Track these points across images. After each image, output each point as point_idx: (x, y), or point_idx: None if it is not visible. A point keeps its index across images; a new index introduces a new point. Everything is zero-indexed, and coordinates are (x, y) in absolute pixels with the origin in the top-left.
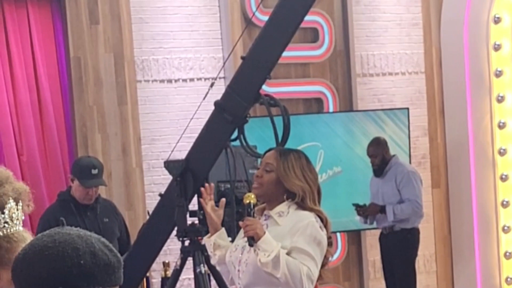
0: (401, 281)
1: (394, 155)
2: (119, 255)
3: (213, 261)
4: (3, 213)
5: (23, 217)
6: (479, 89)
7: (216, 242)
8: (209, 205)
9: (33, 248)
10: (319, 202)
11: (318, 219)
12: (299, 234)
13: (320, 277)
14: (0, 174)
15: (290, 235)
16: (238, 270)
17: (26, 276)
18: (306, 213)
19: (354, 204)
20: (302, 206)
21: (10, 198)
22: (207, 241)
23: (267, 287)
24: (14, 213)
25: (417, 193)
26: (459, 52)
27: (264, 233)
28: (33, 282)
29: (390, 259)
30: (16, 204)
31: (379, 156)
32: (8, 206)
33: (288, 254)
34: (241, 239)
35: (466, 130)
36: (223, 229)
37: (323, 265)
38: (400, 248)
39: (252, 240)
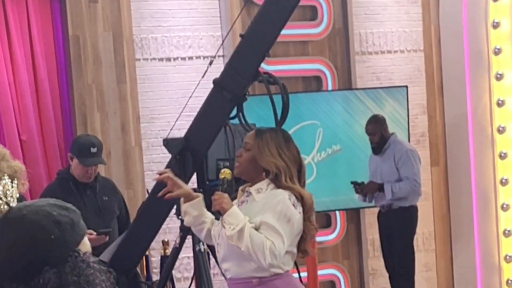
0: (400, 259)
1: (393, 133)
2: (68, 204)
3: (187, 223)
4: None
5: (17, 195)
6: (478, 67)
7: (187, 210)
8: (172, 184)
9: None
10: (300, 180)
11: (293, 197)
12: (269, 211)
13: (305, 252)
14: None
15: (262, 211)
16: (217, 244)
17: (4, 274)
18: (280, 191)
19: (352, 182)
20: (277, 184)
21: (5, 174)
22: (181, 205)
23: (238, 260)
24: (9, 189)
25: (416, 171)
26: (458, 30)
27: (231, 207)
28: (15, 274)
29: (389, 237)
30: (11, 181)
31: (378, 134)
32: (2, 182)
33: (257, 229)
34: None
35: (465, 108)
36: (199, 199)
37: (304, 240)
38: (398, 226)
39: (219, 214)
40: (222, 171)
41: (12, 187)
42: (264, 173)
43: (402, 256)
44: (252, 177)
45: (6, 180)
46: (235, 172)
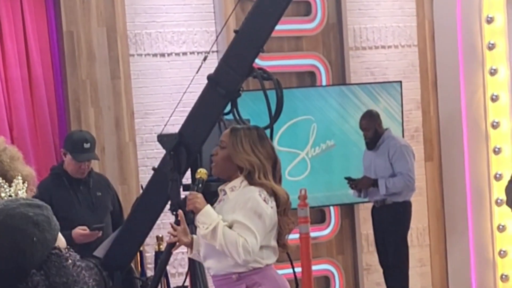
0: (394, 255)
1: (387, 129)
2: (38, 201)
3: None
4: (10, 186)
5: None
6: (472, 62)
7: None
8: (182, 233)
9: None
10: (274, 176)
11: (264, 192)
12: (239, 208)
13: (284, 245)
14: (14, 152)
15: (233, 209)
16: (199, 243)
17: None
18: (251, 188)
19: (346, 178)
20: (250, 181)
21: (20, 174)
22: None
23: (217, 257)
24: (20, 190)
25: (410, 167)
26: (452, 25)
27: (205, 206)
28: (1, 280)
29: (382, 233)
30: (23, 183)
31: (372, 129)
32: (15, 181)
33: (230, 227)
34: None
35: (459, 103)
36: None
37: (280, 235)
38: (392, 222)
39: (192, 214)
40: (198, 170)
41: (23, 188)
42: (239, 171)
43: (396, 251)
44: (228, 175)
45: (19, 180)
46: (213, 172)
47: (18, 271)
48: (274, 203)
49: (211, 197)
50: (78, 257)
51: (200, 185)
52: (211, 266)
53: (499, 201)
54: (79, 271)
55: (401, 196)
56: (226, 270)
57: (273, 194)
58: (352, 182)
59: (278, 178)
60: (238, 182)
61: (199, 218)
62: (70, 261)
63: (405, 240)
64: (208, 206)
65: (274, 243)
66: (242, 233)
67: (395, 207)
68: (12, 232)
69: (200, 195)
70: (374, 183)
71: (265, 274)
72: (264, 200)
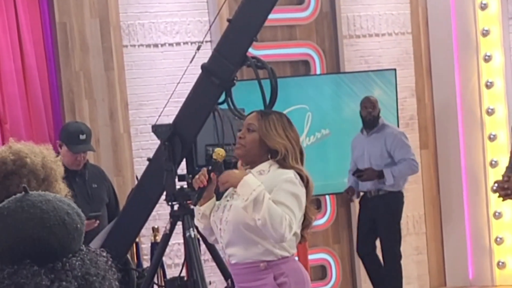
0: (387, 244)
1: (380, 117)
2: (80, 212)
3: (200, 229)
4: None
5: None
6: (466, 49)
7: (205, 213)
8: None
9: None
10: (301, 162)
11: (298, 176)
12: (277, 189)
13: (303, 238)
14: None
15: (268, 190)
16: (220, 229)
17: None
18: (286, 170)
19: (354, 173)
20: (283, 164)
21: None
22: (197, 209)
23: (245, 245)
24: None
25: (412, 151)
26: (446, 12)
27: (242, 177)
28: (37, 254)
29: (374, 222)
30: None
31: (376, 109)
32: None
33: None
34: (223, 199)
35: (454, 90)
36: (214, 199)
37: (305, 226)
38: (386, 211)
39: (221, 195)
40: (216, 150)
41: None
42: (269, 155)
43: (390, 241)
44: (255, 159)
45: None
46: (237, 153)
47: (60, 249)
48: (305, 190)
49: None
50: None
51: (219, 166)
52: (236, 254)
53: (495, 188)
54: (108, 269)
55: (396, 186)
56: (254, 258)
57: (306, 180)
58: (360, 174)
59: (303, 165)
60: (267, 166)
61: (239, 191)
62: (102, 257)
63: (399, 229)
64: (247, 176)
65: (299, 231)
66: (284, 212)
67: (389, 197)
68: (61, 212)
69: (230, 172)
70: (380, 174)
71: (292, 264)
72: (299, 183)
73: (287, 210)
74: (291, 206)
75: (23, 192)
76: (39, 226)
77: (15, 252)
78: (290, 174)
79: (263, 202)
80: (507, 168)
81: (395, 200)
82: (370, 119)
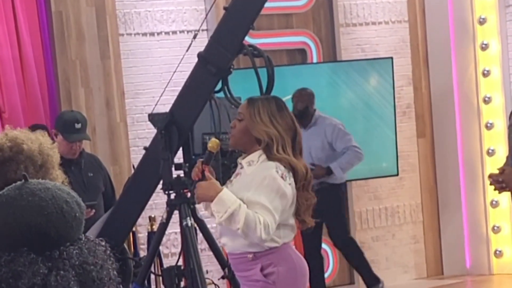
0: (339, 235)
1: (315, 110)
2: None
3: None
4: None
5: None
6: (463, 37)
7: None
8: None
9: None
10: (294, 149)
11: (281, 168)
12: (256, 186)
13: (304, 222)
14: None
15: (248, 187)
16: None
17: None
18: (269, 164)
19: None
20: (268, 154)
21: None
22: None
23: (232, 236)
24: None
25: (352, 139)
26: (443, 0)
27: (217, 194)
28: (33, 242)
29: (319, 213)
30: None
31: (305, 102)
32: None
33: (246, 206)
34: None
35: (451, 78)
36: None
37: (302, 211)
38: (332, 203)
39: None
40: (211, 140)
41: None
42: (257, 144)
43: (340, 231)
44: (246, 148)
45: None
46: (231, 143)
47: (57, 237)
48: (292, 179)
49: (227, 170)
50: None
51: (211, 158)
52: (226, 244)
53: (490, 181)
54: (106, 258)
55: (338, 179)
56: (241, 249)
57: (291, 169)
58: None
59: (298, 151)
60: (256, 157)
61: (213, 207)
62: (100, 246)
63: (345, 217)
64: (222, 192)
65: (292, 221)
66: (259, 212)
67: (333, 189)
68: (60, 200)
69: (207, 182)
70: (328, 171)
71: (282, 254)
72: (282, 177)
73: (263, 210)
74: (267, 204)
75: (23, 180)
76: (37, 214)
77: (13, 239)
78: (271, 170)
79: (238, 215)
80: (508, 158)
81: (339, 192)
82: (296, 113)
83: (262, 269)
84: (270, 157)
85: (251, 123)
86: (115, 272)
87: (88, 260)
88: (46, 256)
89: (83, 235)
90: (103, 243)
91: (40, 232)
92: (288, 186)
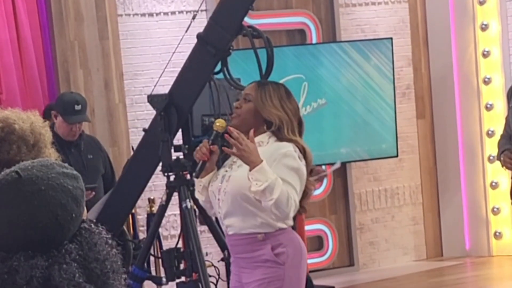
0: None
1: None
2: (72, 170)
3: (201, 201)
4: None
5: None
6: (463, 18)
7: (206, 185)
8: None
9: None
10: (300, 134)
11: (297, 149)
12: (276, 164)
13: (302, 208)
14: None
15: (269, 164)
16: (218, 199)
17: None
18: (284, 143)
19: None
20: (279, 136)
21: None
22: (198, 181)
23: (243, 216)
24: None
25: None
26: None
27: (261, 162)
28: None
29: None
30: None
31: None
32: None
33: None
34: (222, 169)
35: (451, 59)
36: (215, 171)
37: (305, 197)
38: None
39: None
40: (217, 120)
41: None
42: (265, 126)
43: None
44: (249, 129)
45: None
46: (234, 123)
47: (53, 241)
48: (304, 162)
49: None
50: (108, 234)
51: (216, 138)
52: (234, 225)
53: (491, 157)
54: (109, 249)
55: None
56: (251, 229)
57: (303, 151)
58: None
59: (302, 136)
60: (266, 138)
61: (253, 174)
62: (101, 237)
63: None
64: (264, 161)
65: (298, 203)
66: (287, 189)
67: None
68: (54, 206)
69: (255, 147)
70: None
71: (289, 235)
72: (298, 157)
73: (290, 188)
74: (292, 182)
75: (15, 175)
76: (30, 227)
77: (6, 244)
78: (290, 147)
79: (275, 187)
80: (502, 136)
81: None
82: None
83: (272, 249)
84: (282, 138)
85: (261, 105)
86: (119, 263)
87: (89, 255)
88: (45, 253)
89: (83, 223)
90: (104, 232)
91: (34, 241)
92: (303, 166)
